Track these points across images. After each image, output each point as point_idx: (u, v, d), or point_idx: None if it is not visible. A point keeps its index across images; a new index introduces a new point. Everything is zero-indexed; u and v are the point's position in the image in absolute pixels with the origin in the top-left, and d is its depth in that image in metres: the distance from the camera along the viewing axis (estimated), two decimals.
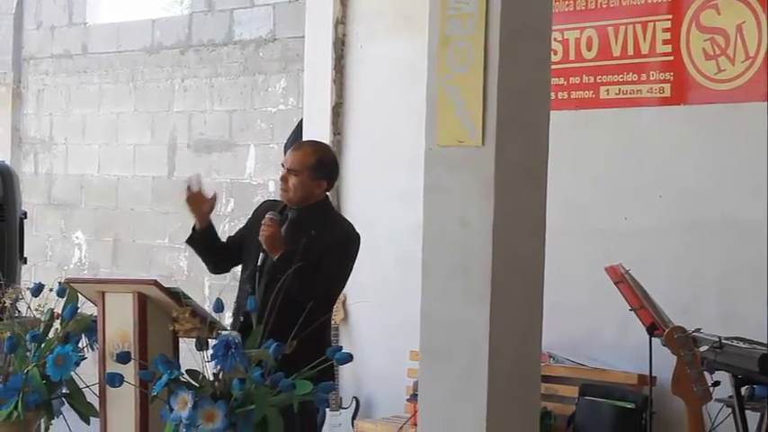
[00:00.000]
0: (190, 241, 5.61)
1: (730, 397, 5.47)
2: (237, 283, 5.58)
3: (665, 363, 4.82)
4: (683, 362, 4.17)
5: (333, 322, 8.05)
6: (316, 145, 5.78)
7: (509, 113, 3.87)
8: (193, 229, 5.55)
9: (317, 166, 5.45)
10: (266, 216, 5.29)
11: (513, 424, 3.91)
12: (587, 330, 6.89)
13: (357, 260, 8.03)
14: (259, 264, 5.23)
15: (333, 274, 5.35)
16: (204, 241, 5.55)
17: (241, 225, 5.94)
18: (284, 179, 5.44)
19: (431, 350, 4.07)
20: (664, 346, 5.18)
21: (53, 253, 11.42)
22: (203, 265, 5.80)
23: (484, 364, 3.82)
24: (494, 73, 3.81)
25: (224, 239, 5.71)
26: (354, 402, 8.04)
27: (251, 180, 9.53)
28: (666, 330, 4.45)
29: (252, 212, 5.73)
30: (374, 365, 7.91)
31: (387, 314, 7.76)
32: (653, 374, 5.99)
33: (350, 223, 5.69)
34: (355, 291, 8.10)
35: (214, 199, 5.51)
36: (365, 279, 7.98)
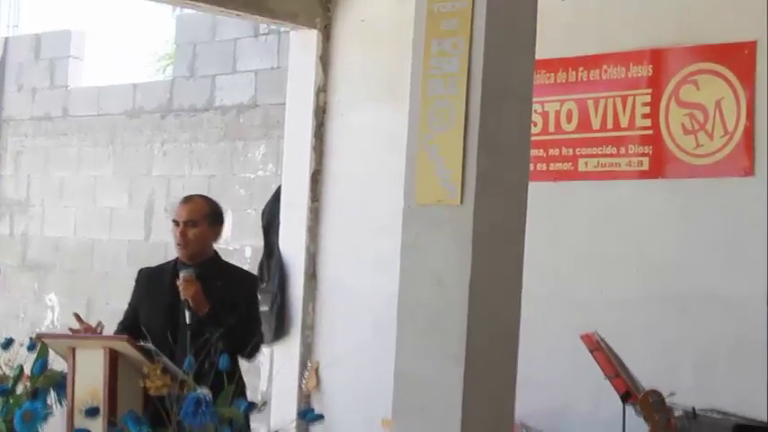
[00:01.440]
0: None
1: None
2: None
3: None
4: (659, 426, 4.13)
5: (305, 389, 8.04)
6: (204, 196, 5.89)
7: (488, 173, 3.86)
8: None
9: (212, 213, 5.59)
10: (182, 275, 5.27)
11: None
12: (561, 402, 6.84)
13: (331, 326, 8.06)
14: (189, 322, 5.19)
15: (257, 316, 5.50)
16: None
17: None
18: (183, 233, 5.45)
19: (404, 409, 4.02)
20: (637, 415, 5.17)
21: (26, 315, 11.35)
22: None
23: (457, 426, 3.77)
24: (474, 132, 3.81)
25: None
26: None
27: (228, 245, 9.49)
28: (641, 394, 4.42)
29: (135, 284, 5.72)
30: None
31: (360, 381, 7.70)
32: None
33: (244, 268, 6.04)
34: (330, 357, 8.08)
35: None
36: (340, 345, 7.99)
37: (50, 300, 11.23)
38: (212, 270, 5.45)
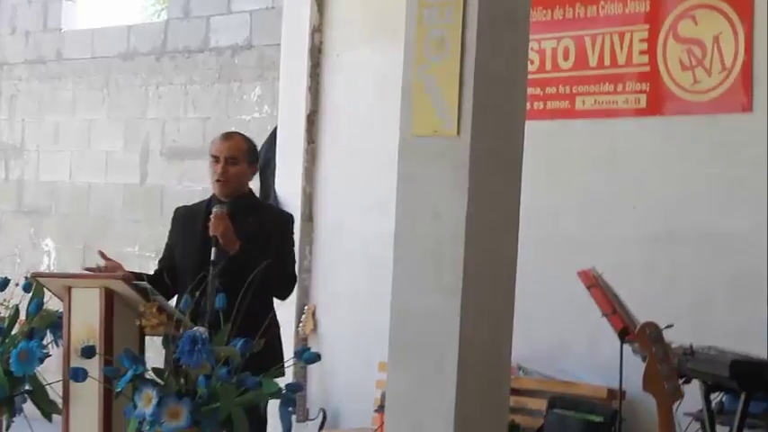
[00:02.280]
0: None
1: (699, 411, 5.45)
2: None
3: (635, 377, 4.77)
4: (655, 358, 4.11)
5: (302, 332, 8.04)
6: (241, 134, 5.76)
7: (485, 102, 3.82)
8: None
9: (251, 151, 5.52)
10: (214, 211, 5.20)
11: (482, 420, 3.85)
12: (558, 343, 6.85)
13: (329, 268, 8.04)
14: (213, 258, 5.11)
15: (290, 254, 5.40)
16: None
17: None
18: (225, 170, 5.39)
19: (401, 343, 4.01)
20: (635, 354, 5.16)
21: (22, 260, 11.31)
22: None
23: (454, 358, 3.76)
24: (470, 61, 3.76)
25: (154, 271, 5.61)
26: (321, 414, 7.97)
27: None
28: (638, 326, 4.40)
29: (171, 223, 5.66)
30: (342, 377, 7.86)
31: (357, 324, 7.71)
32: (623, 389, 5.94)
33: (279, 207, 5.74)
34: (326, 299, 8.07)
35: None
36: (337, 287, 7.99)
37: (47, 245, 11.19)
38: (246, 207, 5.38)
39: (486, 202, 3.87)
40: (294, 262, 5.50)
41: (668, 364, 4.14)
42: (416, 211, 3.95)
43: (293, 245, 5.49)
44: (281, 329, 5.46)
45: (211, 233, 5.14)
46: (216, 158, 5.44)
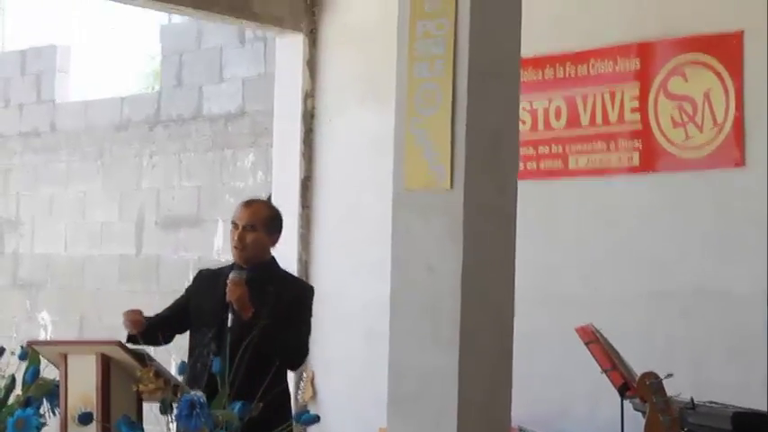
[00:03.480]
0: (130, 340, 5.55)
1: None
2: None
3: None
4: (656, 409, 4.08)
5: (301, 400, 7.99)
6: (264, 201, 5.78)
7: (478, 156, 3.82)
8: (130, 336, 5.46)
9: (272, 219, 5.47)
10: (231, 277, 5.20)
11: None
12: (558, 403, 6.81)
13: (326, 335, 8.01)
14: (230, 325, 5.12)
15: (305, 326, 5.35)
16: (146, 339, 5.49)
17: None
18: (242, 237, 5.38)
19: (399, 397, 3.98)
20: (636, 409, 5.14)
21: (18, 334, 11.27)
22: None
23: (453, 411, 3.73)
24: (462, 114, 3.77)
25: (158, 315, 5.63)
26: None
27: (219, 257, 9.42)
28: (639, 377, 4.39)
29: (192, 282, 5.67)
30: None
31: (356, 390, 7.67)
32: None
33: (299, 277, 5.71)
34: (324, 366, 8.04)
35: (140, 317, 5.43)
36: (334, 353, 7.95)
37: (43, 318, 11.17)
38: (266, 275, 5.36)
39: (481, 254, 3.86)
40: (309, 333, 5.47)
41: (669, 415, 4.12)
42: (411, 265, 3.94)
43: (310, 316, 5.45)
44: None
45: (227, 299, 5.13)
46: (235, 225, 5.45)
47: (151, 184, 10.23)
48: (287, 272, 5.70)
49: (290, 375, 7.78)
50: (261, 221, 5.42)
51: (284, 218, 8.16)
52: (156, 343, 5.44)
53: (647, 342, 6.42)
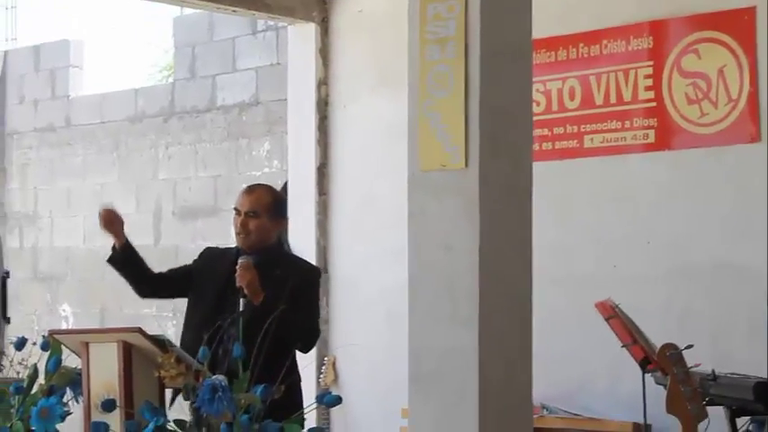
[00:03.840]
0: (111, 261, 5.63)
1: None
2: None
3: (659, 410, 4.76)
4: (676, 380, 4.09)
5: (323, 384, 8.02)
6: (268, 186, 5.78)
7: (492, 134, 3.83)
8: (113, 248, 5.55)
9: (275, 206, 5.51)
10: (240, 261, 5.22)
11: None
12: (580, 380, 6.82)
13: (345, 319, 8.04)
14: (242, 309, 5.14)
15: (314, 308, 5.41)
16: (125, 259, 5.55)
17: None
18: (244, 224, 5.41)
19: (419, 376, 4.00)
20: (657, 383, 5.14)
21: (39, 327, 11.33)
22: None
23: (474, 389, 3.75)
24: (475, 95, 3.78)
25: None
26: None
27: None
28: (659, 348, 4.39)
29: (198, 256, 5.70)
30: (366, 426, 7.83)
31: (377, 373, 7.69)
32: (648, 422, 5.90)
33: (305, 259, 5.92)
34: (345, 350, 8.05)
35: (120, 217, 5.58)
36: (354, 337, 7.97)
37: (64, 310, 11.23)
38: (272, 259, 5.39)
39: (497, 232, 3.87)
40: (318, 315, 5.51)
41: (690, 386, 4.13)
42: (428, 245, 3.95)
43: (318, 298, 5.51)
44: (303, 382, 5.46)
45: (238, 284, 5.16)
46: (237, 211, 5.48)
47: (168, 176, 10.27)
48: (292, 254, 5.75)
49: (312, 359, 7.88)
50: (263, 207, 5.45)
51: (301, 205, 8.32)
52: (132, 272, 5.52)
53: (666, 319, 6.42)
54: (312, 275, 5.56)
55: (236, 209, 5.50)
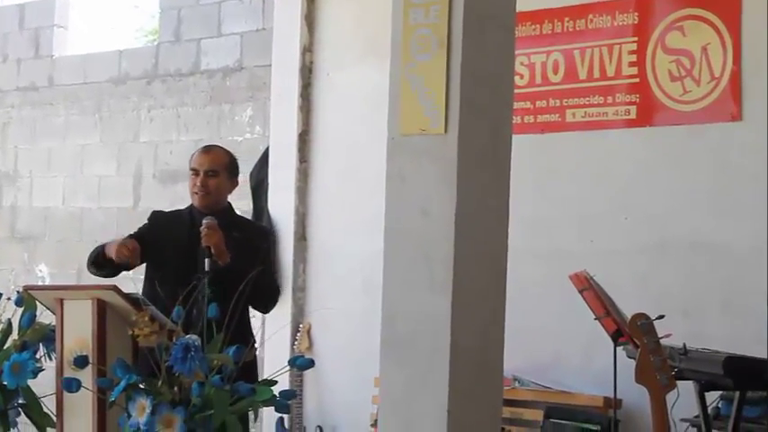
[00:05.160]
0: (94, 266, 5.59)
1: (696, 417, 5.44)
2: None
3: (630, 386, 4.78)
4: (647, 349, 4.11)
5: (297, 350, 8.02)
6: (222, 147, 5.82)
7: (472, 101, 3.83)
8: (104, 256, 5.49)
9: (231, 165, 5.56)
10: (205, 222, 5.23)
11: (475, 416, 3.85)
12: (553, 354, 6.85)
13: (322, 287, 8.04)
14: (207, 269, 5.14)
15: (273, 268, 5.49)
16: (110, 269, 5.52)
17: None
18: (204, 183, 5.42)
19: (392, 340, 4.01)
20: (629, 356, 5.17)
21: (16, 286, 11.27)
22: None
23: (446, 355, 3.76)
24: (457, 60, 3.78)
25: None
26: (318, 431, 7.95)
27: None
28: (630, 318, 4.41)
29: (148, 222, 5.68)
30: (338, 393, 7.85)
31: (352, 342, 7.69)
32: (619, 398, 5.93)
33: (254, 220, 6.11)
34: (321, 318, 8.06)
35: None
36: (331, 306, 7.97)
37: (41, 270, 11.19)
38: (228, 221, 5.42)
39: (475, 198, 3.88)
40: (276, 275, 5.59)
41: (660, 356, 4.15)
42: (406, 209, 3.96)
43: (273, 259, 5.58)
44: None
45: (204, 244, 5.16)
46: (195, 171, 5.49)
47: (149, 138, 10.23)
48: (244, 217, 5.78)
49: (287, 327, 7.89)
50: (222, 166, 5.50)
51: (282, 172, 8.30)
52: (110, 275, 5.50)
53: (642, 294, 6.43)
54: (268, 235, 5.66)
55: (193, 169, 5.51)
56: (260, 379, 4.49)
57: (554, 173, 6.97)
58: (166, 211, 5.86)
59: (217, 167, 5.47)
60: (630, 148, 6.70)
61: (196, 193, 5.47)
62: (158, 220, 5.68)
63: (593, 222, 6.79)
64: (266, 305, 5.51)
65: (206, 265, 5.13)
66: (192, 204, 5.56)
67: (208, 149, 5.64)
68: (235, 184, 5.61)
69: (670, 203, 6.52)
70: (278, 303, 7.73)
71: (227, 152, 5.67)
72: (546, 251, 6.85)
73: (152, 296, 5.09)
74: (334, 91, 8.23)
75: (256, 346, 5.18)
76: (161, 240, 5.49)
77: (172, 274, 5.24)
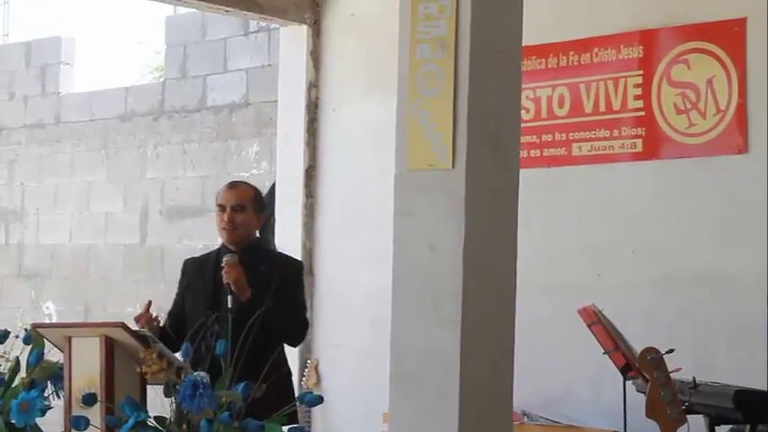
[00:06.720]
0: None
1: None
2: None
3: (640, 419, 4.77)
4: (657, 384, 4.09)
5: (305, 386, 8.01)
6: (248, 183, 5.85)
7: (479, 135, 3.83)
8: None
9: (257, 199, 5.56)
10: (225, 259, 5.24)
11: None
12: (562, 388, 6.83)
13: (330, 322, 8.03)
14: (230, 306, 5.15)
15: (300, 301, 5.44)
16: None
17: None
18: (231, 218, 5.42)
19: (400, 376, 3.99)
20: (638, 391, 5.15)
21: (23, 324, 11.26)
22: None
23: (455, 390, 3.75)
24: (464, 95, 3.79)
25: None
26: None
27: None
28: (639, 352, 4.40)
29: (181, 275, 5.69)
30: (347, 429, 7.82)
31: (360, 377, 7.68)
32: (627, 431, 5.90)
33: (287, 253, 6.02)
34: (328, 353, 8.05)
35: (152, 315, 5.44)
36: (338, 341, 7.97)
37: (48, 308, 11.20)
38: (256, 255, 5.42)
39: (483, 233, 3.87)
40: (305, 308, 5.56)
41: (670, 390, 4.13)
42: (413, 244, 3.95)
43: (303, 291, 5.55)
44: None
45: (225, 281, 5.17)
46: (222, 207, 5.48)
47: (156, 175, 10.27)
48: (274, 250, 5.78)
49: (295, 362, 7.86)
50: (249, 201, 5.49)
51: (288, 207, 8.31)
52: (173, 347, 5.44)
53: (650, 328, 6.42)
54: (296, 269, 5.61)
55: (220, 205, 5.50)
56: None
57: (561, 206, 6.97)
58: (197, 256, 5.86)
59: (243, 202, 5.47)
60: (637, 181, 6.70)
61: (224, 229, 5.47)
62: (187, 267, 5.70)
63: (600, 255, 6.78)
64: (288, 338, 5.47)
65: (228, 302, 5.15)
66: (222, 244, 5.58)
67: (234, 185, 5.65)
68: (262, 218, 5.62)
69: (677, 236, 6.51)
70: None
71: (253, 187, 5.68)
72: (554, 284, 6.84)
73: None
74: (339, 126, 8.25)
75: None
76: (191, 286, 5.53)
77: (200, 317, 5.25)
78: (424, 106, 3.88)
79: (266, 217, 5.71)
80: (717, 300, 6.32)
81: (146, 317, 5.31)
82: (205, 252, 5.82)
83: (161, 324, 5.41)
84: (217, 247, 5.66)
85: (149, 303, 5.31)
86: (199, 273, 5.56)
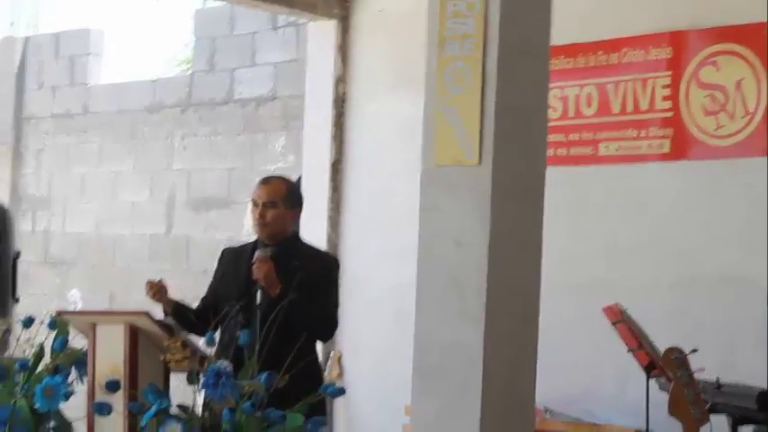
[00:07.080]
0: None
1: None
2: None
3: (663, 418, 4.77)
4: (680, 383, 4.10)
5: (328, 379, 8.02)
6: (282, 177, 5.82)
7: (507, 132, 3.84)
8: (165, 314, 5.53)
9: (291, 195, 5.54)
10: (256, 255, 5.26)
11: None
12: (585, 385, 6.83)
13: (354, 316, 8.04)
14: (258, 302, 5.18)
15: (330, 297, 5.43)
16: (177, 318, 5.53)
17: None
18: (262, 214, 5.44)
19: (424, 370, 4.01)
20: (661, 389, 5.15)
21: (48, 311, 11.33)
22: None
23: (477, 385, 3.76)
24: (491, 92, 3.80)
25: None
26: None
27: (249, 238, 9.44)
28: (663, 351, 4.40)
29: (217, 263, 5.72)
30: (369, 422, 7.85)
31: (383, 370, 7.70)
32: (650, 430, 5.90)
33: (325, 250, 5.88)
34: (352, 346, 8.07)
35: (162, 283, 5.50)
36: (362, 335, 7.99)
37: (72, 295, 11.25)
38: (290, 250, 5.42)
39: (508, 229, 3.88)
40: (337, 305, 5.53)
41: (693, 389, 4.13)
42: (439, 239, 3.96)
43: (337, 288, 5.54)
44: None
45: (254, 276, 5.20)
46: (255, 203, 5.51)
47: (182, 166, 10.30)
48: (310, 245, 5.77)
49: (318, 354, 7.88)
50: (280, 197, 5.49)
51: (314, 201, 8.32)
52: (188, 329, 5.47)
53: (674, 328, 6.40)
54: (330, 266, 5.62)
55: (253, 201, 5.54)
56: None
57: (586, 205, 6.97)
58: (235, 246, 5.88)
59: (274, 199, 5.48)
60: (664, 181, 6.69)
61: (257, 225, 5.51)
62: (224, 256, 5.73)
63: (625, 255, 6.78)
64: (312, 333, 5.44)
65: (258, 297, 5.17)
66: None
67: (266, 181, 5.65)
68: (297, 213, 5.61)
69: (703, 237, 6.50)
70: None
71: (286, 182, 5.67)
72: (578, 283, 6.84)
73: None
74: (366, 121, 8.27)
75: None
76: (226, 276, 5.55)
77: (242, 306, 5.29)
78: (451, 103, 3.89)
79: (299, 212, 5.69)
80: (741, 301, 6.31)
81: (158, 284, 5.37)
82: (243, 243, 5.83)
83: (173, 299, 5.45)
84: (254, 239, 5.69)
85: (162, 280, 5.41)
86: (234, 264, 5.58)
